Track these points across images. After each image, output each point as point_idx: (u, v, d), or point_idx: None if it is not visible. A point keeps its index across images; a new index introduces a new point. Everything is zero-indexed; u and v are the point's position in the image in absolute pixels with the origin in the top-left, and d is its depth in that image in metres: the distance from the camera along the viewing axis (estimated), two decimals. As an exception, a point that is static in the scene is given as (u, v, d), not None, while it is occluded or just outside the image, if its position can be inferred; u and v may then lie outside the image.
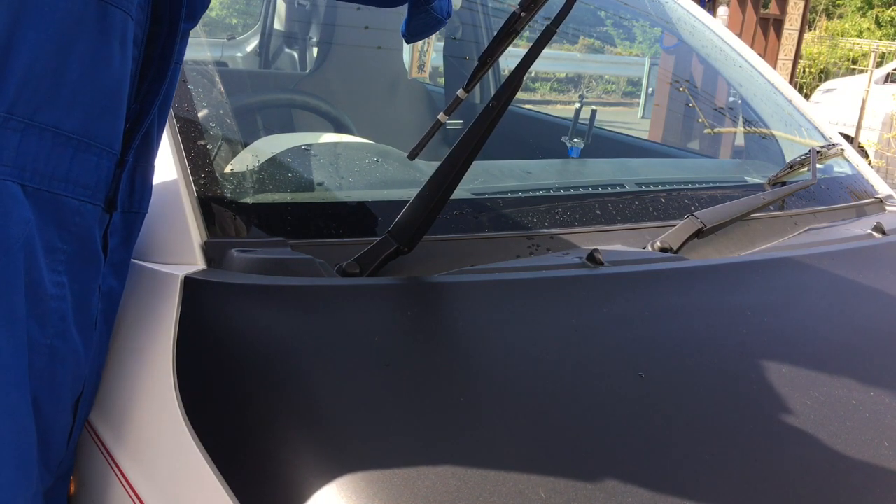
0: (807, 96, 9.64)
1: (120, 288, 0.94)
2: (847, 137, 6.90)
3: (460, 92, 1.05)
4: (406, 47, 2.46)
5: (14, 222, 0.77)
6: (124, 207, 0.91)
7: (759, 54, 2.08)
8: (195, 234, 1.00)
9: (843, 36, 14.92)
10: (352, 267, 1.01)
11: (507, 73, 1.03)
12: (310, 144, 1.31)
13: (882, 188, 1.75)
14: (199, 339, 0.89)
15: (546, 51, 1.03)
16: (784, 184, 1.54)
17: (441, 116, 1.07)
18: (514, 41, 1.06)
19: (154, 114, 0.92)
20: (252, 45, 3.36)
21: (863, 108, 8.23)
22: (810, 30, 13.96)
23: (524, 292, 1.04)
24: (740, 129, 1.98)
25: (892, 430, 0.90)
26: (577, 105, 1.78)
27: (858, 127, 8.24)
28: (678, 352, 0.98)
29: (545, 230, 1.21)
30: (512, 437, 0.79)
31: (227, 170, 1.13)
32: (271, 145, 1.22)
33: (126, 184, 0.91)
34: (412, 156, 1.08)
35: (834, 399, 0.95)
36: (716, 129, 2.03)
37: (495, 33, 1.07)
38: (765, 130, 1.86)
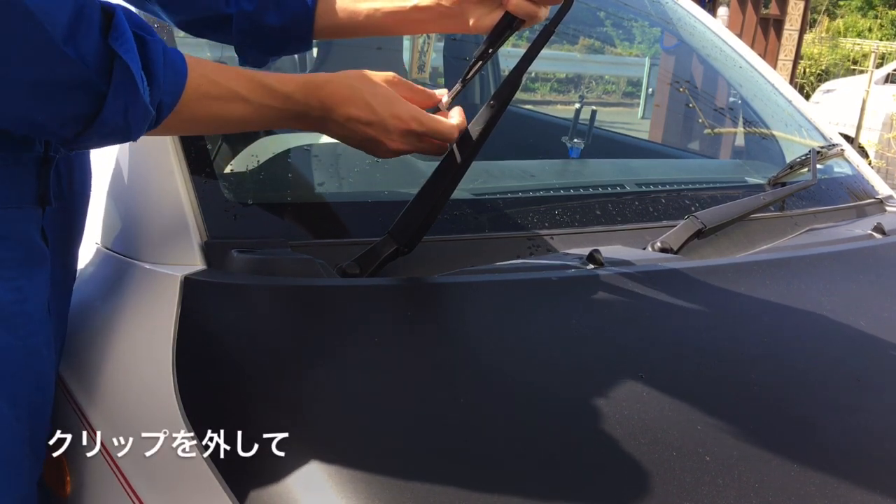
0: (807, 97, 9.63)
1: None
2: (847, 138, 6.88)
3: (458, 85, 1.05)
4: (406, 47, 2.46)
5: None
6: (55, 198, 0.92)
7: (760, 55, 2.08)
8: (195, 234, 1.00)
9: (845, 35, 14.91)
10: (352, 267, 1.01)
11: (506, 73, 1.03)
12: (310, 145, 1.31)
13: (882, 189, 1.75)
14: (199, 340, 0.89)
15: (546, 51, 1.03)
16: (784, 184, 1.53)
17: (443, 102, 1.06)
18: (514, 41, 1.06)
19: None
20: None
21: (863, 109, 8.23)
22: (811, 29, 13.95)
23: (524, 293, 1.04)
24: (740, 129, 1.98)
25: (894, 431, 0.90)
26: (577, 105, 1.78)
27: (859, 127, 8.23)
28: (678, 352, 0.98)
29: (545, 230, 1.21)
30: (511, 437, 0.79)
31: (227, 170, 1.13)
32: (271, 145, 1.22)
33: (54, 177, 0.91)
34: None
35: (835, 399, 0.95)
36: (716, 130, 2.03)
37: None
38: (765, 131, 1.86)
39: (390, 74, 0.99)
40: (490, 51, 1.06)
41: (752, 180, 1.63)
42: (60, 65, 0.72)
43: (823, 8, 17.37)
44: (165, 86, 0.81)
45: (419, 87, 1.01)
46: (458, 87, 1.04)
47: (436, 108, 1.03)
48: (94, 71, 0.74)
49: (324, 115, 0.94)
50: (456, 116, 1.00)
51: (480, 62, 1.05)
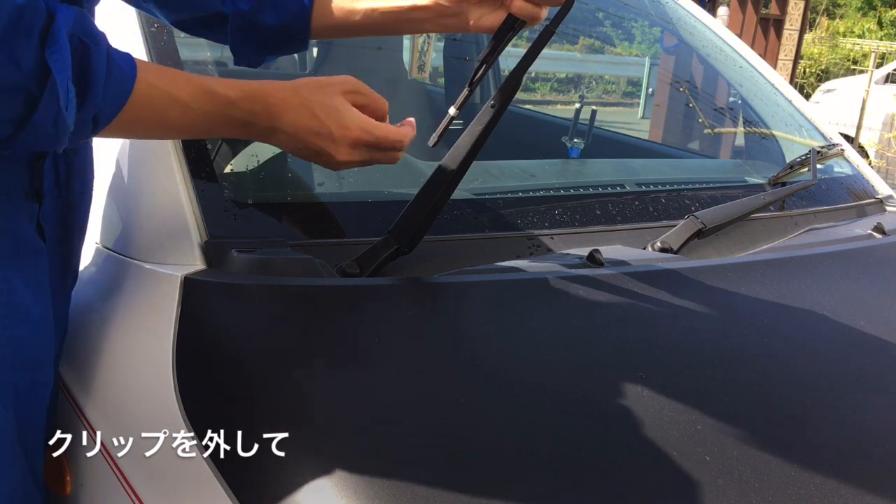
0: (807, 97, 9.62)
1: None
2: (847, 138, 6.89)
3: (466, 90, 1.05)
4: (406, 47, 2.46)
5: None
6: (52, 195, 0.92)
7: (760, 54, 2.08)
8: (195, 234, 1.00)
9: (844, 36, 14.91)
10: (352, 267, 1.01)
11: (507, 73, 1.02)
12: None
13: (882, 188, 1.75)
14: (199, 340, 0.89)
15: (546, 51, 1.03)
16: (784, 184, 1.54)
17: (452, 111, 1.05)
18: (514, 41, 1.06)
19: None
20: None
21: (863, 109, 8.23)
22: (811, 30, 13.94)
23: (524, 293, 1.04)
24: (740, 129, 1.98)
25: (894, 431, 0.90)
26: (577, 105, 1.78)
27: (859, 127, 8.24)
28: (678, 352, 0.98)
29: (545, 230, 1.21)
30: (512, 437, 0.79)
31: (227, 170, 1.13)
32: (271, 145, 1.22)
33: (52, 174, 0.92)
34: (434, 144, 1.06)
35: (835, 399, 0.95)
36: (716, 130, 2.03)
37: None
38: (765, 131, 1.86)
39: (347, 80, 0.96)
40: (494, 54, 1.06)
41: (752, 180, 1.63)
42: None
43: (823, 8, 17.35)
44: (106, 96, 0.79)
45: (375, 94, 0.99)
46: (465, 92, 1.03)
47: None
48: (29, 77, 0.73)
49: (271, 125, 0.92)
50: (407, 125, 0.99)
51: (485, 66, 1.05)
